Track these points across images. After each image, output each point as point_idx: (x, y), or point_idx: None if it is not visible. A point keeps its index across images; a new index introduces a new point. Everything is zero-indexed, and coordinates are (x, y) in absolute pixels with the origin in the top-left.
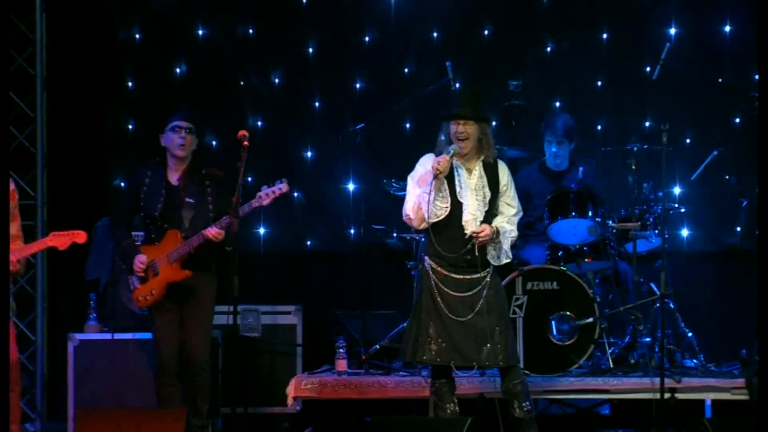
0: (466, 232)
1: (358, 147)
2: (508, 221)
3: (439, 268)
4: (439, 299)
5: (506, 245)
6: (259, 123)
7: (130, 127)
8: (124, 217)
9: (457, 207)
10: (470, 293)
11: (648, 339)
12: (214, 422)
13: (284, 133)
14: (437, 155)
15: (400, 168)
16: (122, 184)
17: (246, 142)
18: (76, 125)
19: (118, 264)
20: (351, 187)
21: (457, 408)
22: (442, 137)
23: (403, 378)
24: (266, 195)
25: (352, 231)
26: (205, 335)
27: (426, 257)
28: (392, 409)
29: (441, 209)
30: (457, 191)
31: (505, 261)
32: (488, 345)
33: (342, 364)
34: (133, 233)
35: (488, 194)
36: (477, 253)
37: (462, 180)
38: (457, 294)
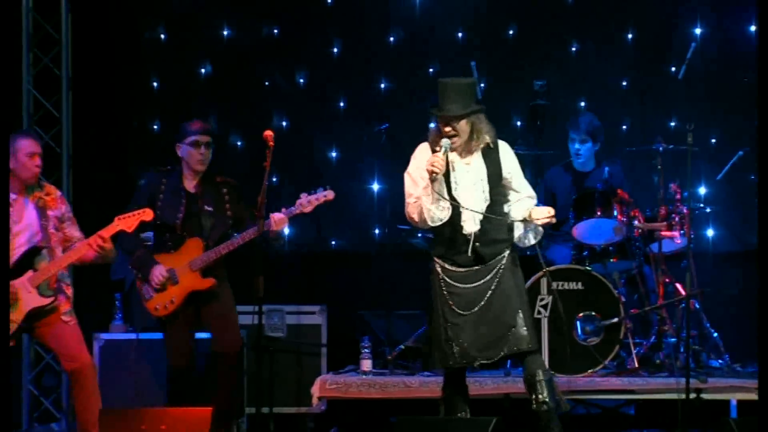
0: (465, 232)
1: (382, 147)
2: (530, 198)
3: (446, 266)
4: (448, 299)
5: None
6: (284, 123)
7: (155, 127)
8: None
9: (455, 207)
10: (481, 282)
11: (673, 339)
12: (239, 422)
13: (309, 133)
14: (431, 145)
15: None
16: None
17: (271, 143)
18: (102, 125)
19: (134, 273)
20: (375, 187)
21: (468, 416)
22: (432, 125)
23: (428, 378)
24: (308, 202)
25: (377, 231)
26: (237, 328)
27: (434, 258)
28: (417, 409)
29: (442, 211)
30: (453, 190)
31: (533, 242)
32: (513, 329)
33: (367, 364)
34: (141, 235)
35: (487, 187)
36: (478, 251)
37: (458, 177)
38: (466, 286)
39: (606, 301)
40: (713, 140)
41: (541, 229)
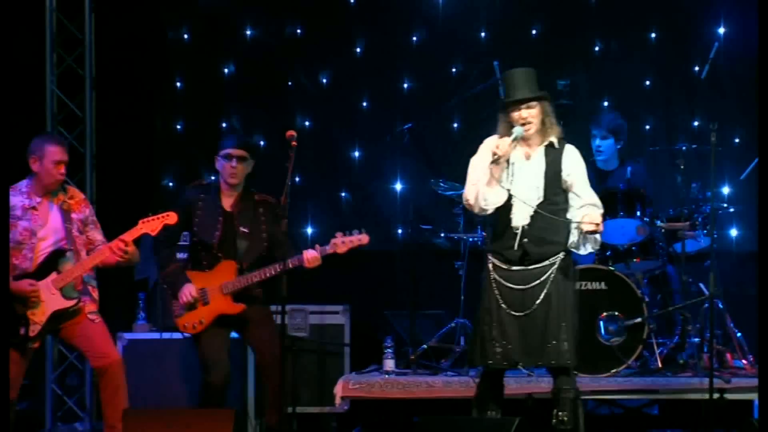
0: (513, 225)
1: (405, 147)
2: (593, 206)
3: (497, 263)
4: (499, 297)
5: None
6: (307, 123)
7: (179, 127)
8: (172, 238)
9: (508, 199)
10: (531, 285)
11: (697, 339)
12: (263, 421)
13: (332, 133)
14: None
15: (448, 168)
16: (170, 184)
17: (294, 142)
18: (125, 125)
19: (163, 288)
20: (399, 187)
21: (499, 416)
22: (499, 130)
23: (451, 378)
24: (342, 243)
25: (400, 231)
26: (276, 341)
27: (487, 254)
28: (440, 409)
29: (496, 195)
30: (509, 182)
31: (591, 250)
32: (554, 342)
33: (390, 364)
34: (177, 254)
35: (542, 184)
36: (525, 247)
37: (516, 170)
38: (516, 287)
39: (629, 301)
40: (737, 140)
41: (598, 237)
